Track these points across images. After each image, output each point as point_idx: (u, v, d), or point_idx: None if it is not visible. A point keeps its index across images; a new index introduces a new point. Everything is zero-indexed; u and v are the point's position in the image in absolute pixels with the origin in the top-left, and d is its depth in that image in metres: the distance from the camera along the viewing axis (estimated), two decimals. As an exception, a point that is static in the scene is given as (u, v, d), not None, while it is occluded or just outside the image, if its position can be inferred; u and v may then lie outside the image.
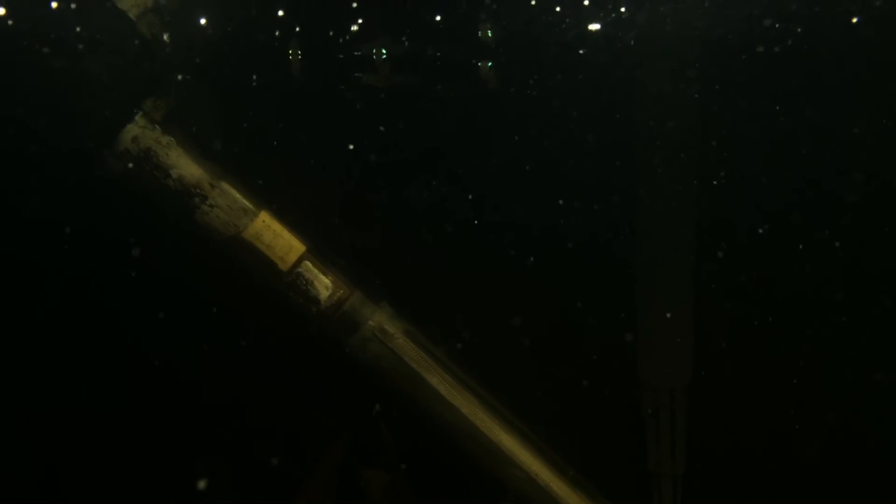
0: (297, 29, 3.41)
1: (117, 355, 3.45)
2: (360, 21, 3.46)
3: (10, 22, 2.94)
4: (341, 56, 3.50)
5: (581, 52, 3.43)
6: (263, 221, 3.15)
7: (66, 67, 3.01)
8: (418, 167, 3.60)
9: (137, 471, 3.45)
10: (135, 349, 3.45)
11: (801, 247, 3.57)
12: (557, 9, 3.41)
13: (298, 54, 3.42)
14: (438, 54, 3.52)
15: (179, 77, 3.20)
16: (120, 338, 3.43)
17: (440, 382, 3.24)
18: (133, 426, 3.48)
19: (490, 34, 3.46)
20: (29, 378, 3.41)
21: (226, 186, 3.14)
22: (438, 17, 3.45)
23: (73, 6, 2.97)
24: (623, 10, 3.38)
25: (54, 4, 2.97)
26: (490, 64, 3.45)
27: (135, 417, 3.47)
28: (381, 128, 3.54)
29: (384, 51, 3.49)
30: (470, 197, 3.61)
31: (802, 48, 3.38)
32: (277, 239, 3.16)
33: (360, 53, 3.48)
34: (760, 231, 3.57)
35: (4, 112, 2.96)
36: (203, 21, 3.24)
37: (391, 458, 3.48)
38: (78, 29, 3.00)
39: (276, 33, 3.42)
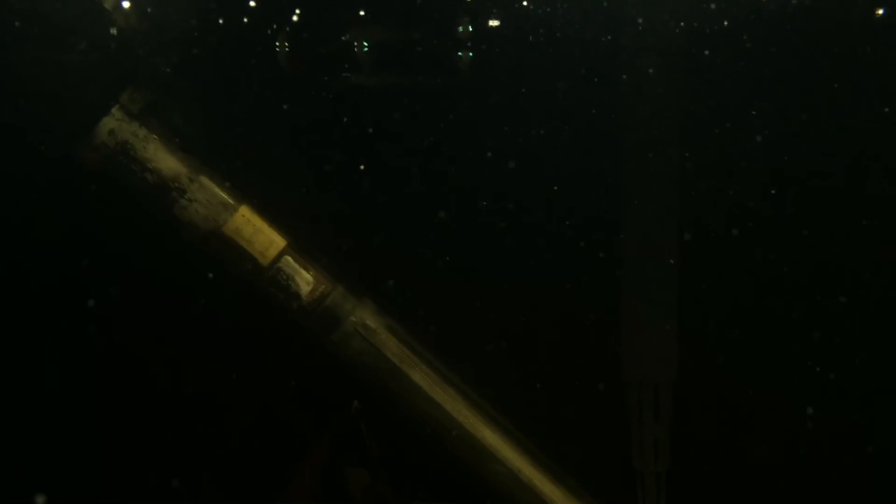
0: (282, 20, 3.37)
1: (97, 351, 3.41)
2: (341, 12, 3.42)
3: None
4: (325, 50, 3.46)
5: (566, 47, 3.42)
6: (243, 216, 3.12)
7: (40, 59, 2.96)
8: (402, 161, 3.57)
9: (120, 471, 3.42)
10: (114, 345, 3.40)
11: (786, 240, 3.56)
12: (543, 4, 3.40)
13: (286, 46, 3.38)
14: (419, 48, 3.48)
15: (157, 69, 3.15)
16: (99, 334, 3.38)
17: (423, 378, 3.22)
18: (117, 424, 3.43)
19: (471, 29, 3.43)
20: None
21: (205, 180, 3.10)
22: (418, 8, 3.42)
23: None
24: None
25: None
26: (471, 55, 3.42)
27: (117, 415, 3.43)
28: (365, 121, 3.50)
29: (366, 44, 3.45)
30: (454, 191, 3.58)
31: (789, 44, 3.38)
32: (258, 234, 3.12)
33: (343, 44, 3.44)
34: (746, 225, 3.56)
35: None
36: (181, 12, 3.20)
37: (372, 457, 3.45)
38: (52, 20, 2.95)
39: (258, 24, 3.37)
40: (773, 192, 3.53)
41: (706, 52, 3.41)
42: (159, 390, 3.45)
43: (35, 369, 3.38)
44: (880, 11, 3.32)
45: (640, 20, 3.34)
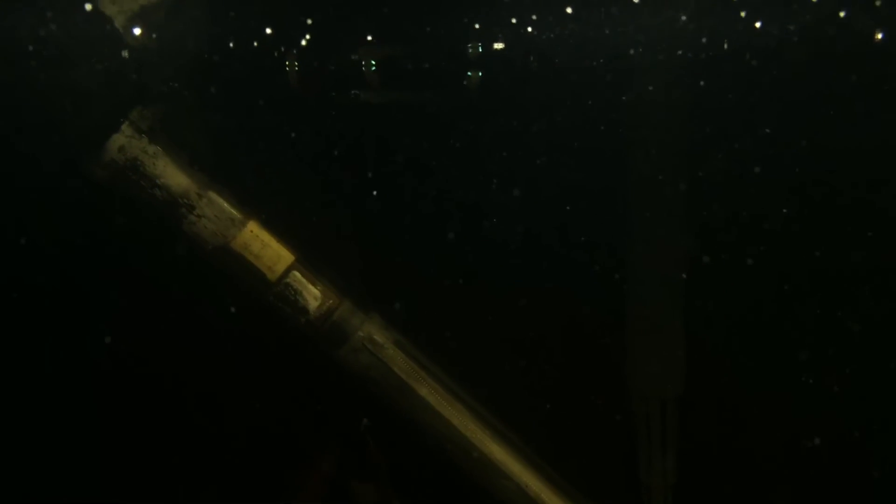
0: (292, 40, 3.41)
1: (106, 362, 3.42)
2: (348, 30, 3.47)
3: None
4: (333, 68, 3.50)
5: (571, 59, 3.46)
6: (252, 231, 3.13)
7: (51, 76, 2.99)
8: (408, 176, 3.60)
9: (126, 476, 3.43)
10: (123, 356, 3.42)
11: (796, 252, 3.58)
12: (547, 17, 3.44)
13: (295, 65, 3.42)
14: (427, 65, 3.52)
15: (167, 86, 3.18)
16: (110, 346, 3.40)
17: (430, 393, 3.22)
18: (120, 433, 3.44)
19: (480, 50, 3.48)
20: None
21: (213, 196, 3.12)
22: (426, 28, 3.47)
23: (59, 14, 2.96)
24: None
25: (39, 13, 2.95)
26: (480, 73, 3.46)
27: (121, 424, 3.44)
28: (372, 137, 3.54)
29: (373, 63, 3.49)
30: (459, 204, 3.61)
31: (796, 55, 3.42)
32: (266, 249, 3.14)
33: (350, 63, 3.48)
34: (755, 237, 3.58)
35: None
36: (191, 29, 3.23)
37: (380, 471, 3.45)
38: (64, 37, 2.99)
39: (267, 42, 3.42)
40: (780, 203, 3.56)
41: (710, 71, 3.46)
42: (166, 402, 3.46)
43: (46, 375, 3.41)
44: (879, 35, 3.40)
45: (645, 38, 3.39)
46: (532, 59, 3.46)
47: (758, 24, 3.38)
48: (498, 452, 3.24)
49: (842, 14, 3.28)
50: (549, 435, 3.39)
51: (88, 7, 2.96)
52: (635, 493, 3.63)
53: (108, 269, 3.40)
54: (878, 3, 3.32)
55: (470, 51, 3.44)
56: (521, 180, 3.57)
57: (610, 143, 3.52)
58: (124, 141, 3.04)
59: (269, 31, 3.38)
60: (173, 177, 3.09)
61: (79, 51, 3.02)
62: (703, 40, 3.41)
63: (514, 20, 3.42)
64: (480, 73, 3.45)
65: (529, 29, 3.45)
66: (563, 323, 3.66)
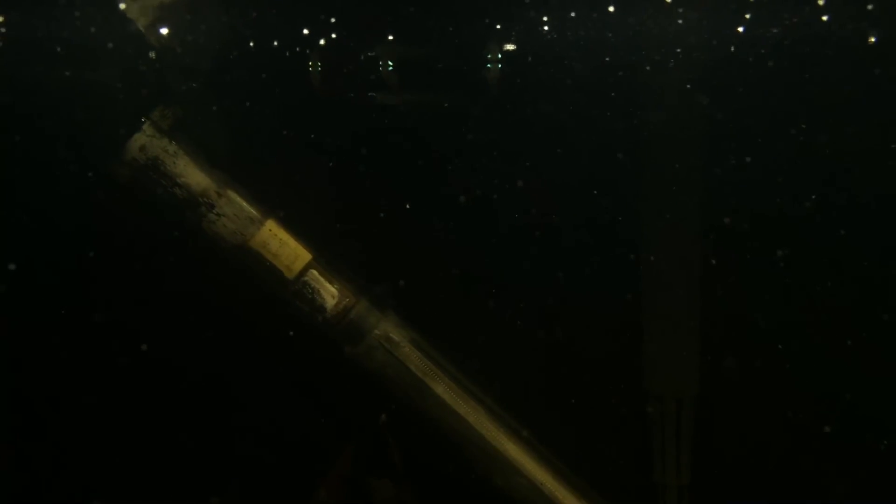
0: (313, 41, 3.44)
1: (125, 363, 3.46)
2: (366, 29, 3.50)
3: (20, 30, 2.97)
4: (352, 68, 3.53)
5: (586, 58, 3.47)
6: (270, 230, 3.16)
7: (74, 76, 3.03)
8: (426, 174, 3.62)
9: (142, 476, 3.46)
10: (141, 357, 3.46)
11: (810, 253, 3.58)
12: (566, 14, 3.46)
13: (318, 66, 3.45)
14: (442, 65, 3.55)
15: (187, 85, 3.22)
16: (127, 346, 3.44)
17: (446, 391, 3.24)
18: (138, 433, 3.48)
19: (500, 56, 3.50)
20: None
21: (232, 195, 3.15)
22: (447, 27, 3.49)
23: (82, 14, 3.00)
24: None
25: (63, 12, 2.99)
26: (500, 66, 3.48)
27: (138, 423, 3.48)
28: (390, 135, 3.57)
29: (391, 62, 3.52)
30: (477, 203, 3.63)
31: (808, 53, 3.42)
32: (284, 247, 3.17)
33: (367, 62, 3.51)
34: (769, 238, 3.58)
35: (14, 119, 2.99)
36: (212, 29, 3.27)
37: (397, 468, 3.47)
38: (86, 37, 3.03)
39: (286, 41, 3.45)
40: (798, 203, 3.56)
41: (726, 70, 3.46)
42: (183, 401, 3.49)
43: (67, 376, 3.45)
44: (872, 39, 3.44)
45: (661, 37, 3.40)
46: (545, 59, 3.48)
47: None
48: (513, 450, 3.26)
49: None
50: (563, 433, 3.40)
51: (122, 6, 3.00)
52: (650, 492, 3.63)
53: (124, 269, 3.44)
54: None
55: (489, 56, 3.46)
56: (537, 179, 3.58)
57: (626, 143, 3.53)
58: (145, 140, 3.07)
59: (289, 31, 3.41)
60: (193, 176, 3.12)
61: (100, 51, 3.06)
62: (715, 41, 3.42)
63: (530, 21, 3.43)
64: (500, 66, 3.47)
65: (546, 29, 3.47)
66: (578, 321, 3.67)
